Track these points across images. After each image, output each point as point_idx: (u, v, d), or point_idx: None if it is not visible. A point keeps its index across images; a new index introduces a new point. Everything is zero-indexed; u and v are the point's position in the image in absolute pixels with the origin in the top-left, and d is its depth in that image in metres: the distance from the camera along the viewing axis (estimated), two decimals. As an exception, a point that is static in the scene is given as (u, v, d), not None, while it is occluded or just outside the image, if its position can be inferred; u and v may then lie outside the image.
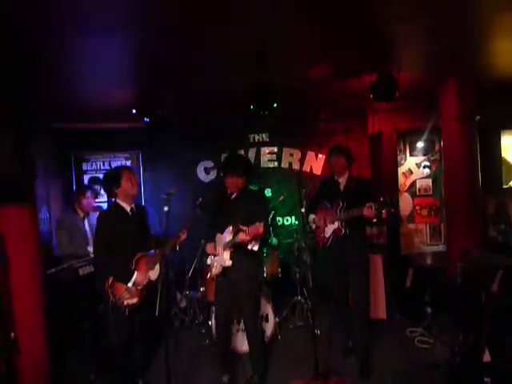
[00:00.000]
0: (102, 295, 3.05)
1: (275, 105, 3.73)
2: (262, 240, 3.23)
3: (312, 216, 3.69)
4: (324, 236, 3.59)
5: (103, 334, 3.26)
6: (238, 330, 3.81)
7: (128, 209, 3.11)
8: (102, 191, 5.68)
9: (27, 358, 3.11)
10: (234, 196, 3.19)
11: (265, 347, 3.51)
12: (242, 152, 5.72)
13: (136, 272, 2.97)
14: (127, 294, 2.95)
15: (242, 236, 2.84)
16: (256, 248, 2.96)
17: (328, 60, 3.11)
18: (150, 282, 3.06)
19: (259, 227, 2.79)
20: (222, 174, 3.20)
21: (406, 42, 3.32)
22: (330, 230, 3.55)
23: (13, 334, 3.08)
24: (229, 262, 3.01)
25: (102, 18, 2.61)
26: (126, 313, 2.96)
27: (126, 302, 2.95)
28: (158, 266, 3.08)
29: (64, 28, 2.73)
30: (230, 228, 2.96)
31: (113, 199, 3.17)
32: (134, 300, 2.98)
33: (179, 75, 3.75)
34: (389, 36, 3.12)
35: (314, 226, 3.72)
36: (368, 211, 3.15)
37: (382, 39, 3.12)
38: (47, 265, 3.62)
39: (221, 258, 3.07)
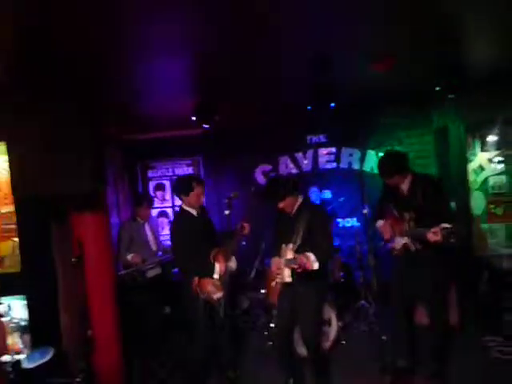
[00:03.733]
0: (189, 301, 3.18)
1: (332, 104, 3.64)
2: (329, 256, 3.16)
3: (380, 222, 3.37)
4: (394, 247, 3.24)
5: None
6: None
7: (194, 212, 3.28)
8: (166, 197, 5.99)
9: (103, 356, 3.35)
10: (293, 212, 3.12)
11: (324, 356, 3.36)
12: (300, 154, 5.69)
13: (217, 264, 3.10)
14: (213, 287, 3.08)
15: (293, 266, 2.82)
16: (316, 266, 2.86)
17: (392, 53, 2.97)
18: (230, 273, 3.22)
19: (307, 263, 2.76)
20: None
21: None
22: (399, 241, 3.18)
23: (90, 332, 3.33)
24: (289, 279, 2.95)
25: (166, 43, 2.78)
26: (221, 312, 3.10)
27: (215, 297, 3.08)
28: (233, 257, 3.27)
29: (135, 53, 2.94)
30: (291, 246, 2.91)
31: (180, 204, 3.36)
32: (220, 294, 3.13)
33: (236, 86, 3.84)
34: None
35: (381, 232, 3.38)
36: (433, 237, 2.74)
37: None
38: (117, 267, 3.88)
39: (282, 274, 3.02)
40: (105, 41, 2.70)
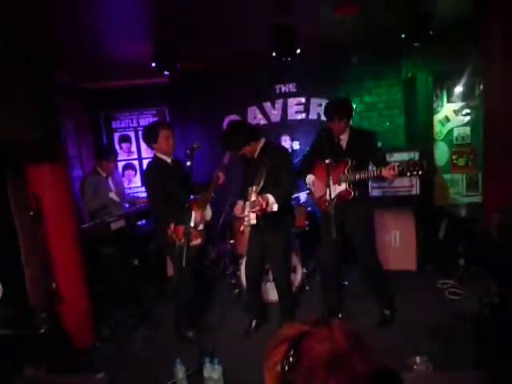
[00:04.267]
0: (163, 245, 3.30)
1: (298, 51, 3.52)
2: (290, 195, 3.24)
3: (311, 177, 3.33)
4: (326, 199, 3.15)
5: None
6: (266, 281, 3.91)
7: (169, 160, 3.29)
8: (132, 149, 5.82)
9: (69, 306, 3.37)
10: (256, 155, 3.17)
11: (292, 297, 3.58)
12: (269, 104, 5.57)
13: (193, 212, 3.12)
14: (190, 234, 3.10)
15: (254, 208, 2.88)
16: (275, 208, 2.94)
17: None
18: (205, 222, 3.31)
19: (264, 204, 2.86)
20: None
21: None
22: (334, 192, 3.14)
23: (54, 285, 3.32)
24: (253, 221, 2.99)
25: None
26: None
27: (192, 243, 3.10)
28: (208, 207, 3.34)
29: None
30: (254, 188, 2.94)
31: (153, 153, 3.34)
32: (199, 240, 3.21)
33: (194, 28, 3.62)
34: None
35: (312, 188, 3.37)
36: (389, 172, 2.86)
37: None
38: (81, 220, 3.81)
39: (248, 217, 3.08)
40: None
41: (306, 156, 3.53)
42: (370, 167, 3.31)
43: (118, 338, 3.61)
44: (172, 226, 3.11)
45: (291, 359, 0.72)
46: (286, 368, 0.72)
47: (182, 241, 3.02)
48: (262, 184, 2.94)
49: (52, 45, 3.49)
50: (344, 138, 3.23)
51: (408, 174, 2.89)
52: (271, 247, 3.25)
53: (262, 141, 3.17)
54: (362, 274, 3.75)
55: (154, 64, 3.82)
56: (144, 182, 3.32)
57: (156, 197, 3.21)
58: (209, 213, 3.34)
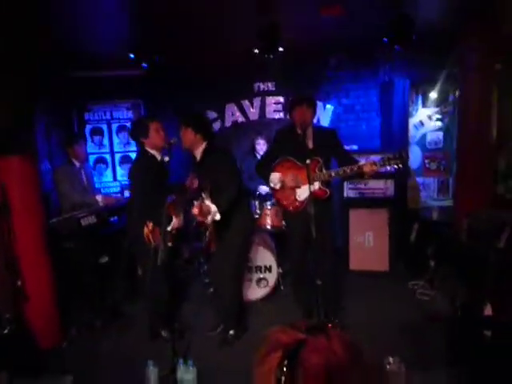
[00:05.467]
0: (135, 243, 3.19)
1: (281, 49, 3.49)
2: (241, 195, 3.12)
3: (277, 175, 3.20)
4: (296, 199, 3.17)
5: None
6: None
7: (158, 157, 3.18)
8: (103, 142, 5.63)
9: (35, 305, 3.21)
10: (198, 159, 3.12)
11: (233, 302, 3.33)
12: (247, 102, 5.53)
13: (173, 217, 3.02)
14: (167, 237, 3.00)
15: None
16: (218, 217, 2.91)
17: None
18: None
19: (207, 216, 2.87)
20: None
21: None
22: (304, 192, 3.11)
23: (19, 282, 3.16)
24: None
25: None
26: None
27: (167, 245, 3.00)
28: (181, 213, 3.21)
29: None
30: (204, 195, 2.94)
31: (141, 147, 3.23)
32: (169, 244, 3.04)
33: (174, 21, 3.53)
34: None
35: (277, 186, 3.23)
36: (370, 167, 2.89)
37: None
38: (49, 215, 3.64)
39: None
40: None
41: (264, 158, 3.44)
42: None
43: (86, 338, 3.48)
44: (150, 225, 3.02)
45: (285, 369, 0.69)
46: (283, 378, 0.69)
47: (156, 242, 2.96)
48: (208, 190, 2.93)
49: (31, 29, 3.31)
50: (309, 136, 3.11)
51: (390, 164, 2.90)
52: (225, 249, 3.20)
53: (204, 144, 3.09)
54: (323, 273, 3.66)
55: (131, 55, 3.69)
56: (129, 175, 3.18)
57: (141, 193, 3.08)
58: (181, 219, 3.17)
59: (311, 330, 0.76)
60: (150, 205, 2.99)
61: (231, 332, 3.23)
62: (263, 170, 3.33)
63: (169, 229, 2.98)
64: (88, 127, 5.61)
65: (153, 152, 3.18)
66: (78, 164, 4.11)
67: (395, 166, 2.95)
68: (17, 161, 3.15)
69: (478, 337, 2.54)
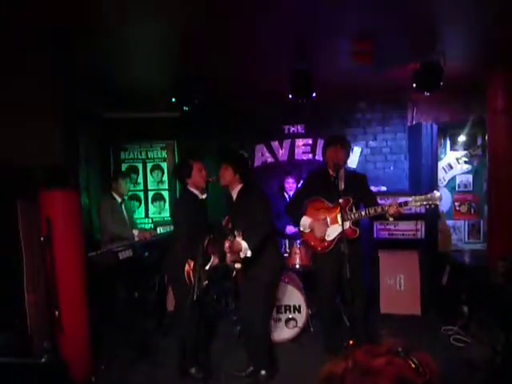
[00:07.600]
0: (173, 278, 3.24)
1: (314, 94, 3.66)
2: (271, 234, 3.15)
3: (308, 220, 3.29)
4: (324, 239, 3.22)
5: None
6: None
7: (200, 196, 3.26)
8: (138, 180, 5.87)
9: (69, 336, 3.26)
10: (235, 198, 3.19)
11: (263, 341, 3.28)
12: (277, 143, 5.70)
13: (213, 256, 3.09)
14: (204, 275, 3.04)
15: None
16: (249, 254, 2.93)
17: (372, 48, 3.04)
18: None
19: (238, 252, 2.89)
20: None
21: (452, 28, 3.18)
22: (333, 231, 3.19)
23: (57, 313, 3.24)
24: (237, 265, 3.06)
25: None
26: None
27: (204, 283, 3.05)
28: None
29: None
30: (236, 233, 2.96)
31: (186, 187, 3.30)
32: (205, 282, 3.09)
33: (215, 66, 3.79)
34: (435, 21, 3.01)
35: (306, 231, 3.31)
36: (395, 209, 3.01)
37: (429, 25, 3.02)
38: (88, 248, 3.77)
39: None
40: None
41: (295, 198, 3.53)
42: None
43: (115, 373, 3.48)
44: (192, 263, 3.03)
45: None
46: None
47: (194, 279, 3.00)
48: (241, 229, 2.95)
49: (77, 71, 3.60)
50: (341, 178, 3.25)
51: (423, 204, 3.02)
52: (253, 287, 3.17)
53: (241, 184, 3.16)
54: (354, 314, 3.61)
55: (173, 99, 3.93)
56: (173, 214, 3.28)
57: (184, 230, 3.12)
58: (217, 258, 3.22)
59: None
60: (192, 243, 3.01)
61: (263, 372, 3.14)
62: (294, 210, 3.43)
63: (207, 267, 3.03)
64: (124, 165, 5.87)
65: (195, 191, 3.25)
66: (119, 199, 4.30)
67: (427, 206, 3.01)
68: (61, 195, 3.32)
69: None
